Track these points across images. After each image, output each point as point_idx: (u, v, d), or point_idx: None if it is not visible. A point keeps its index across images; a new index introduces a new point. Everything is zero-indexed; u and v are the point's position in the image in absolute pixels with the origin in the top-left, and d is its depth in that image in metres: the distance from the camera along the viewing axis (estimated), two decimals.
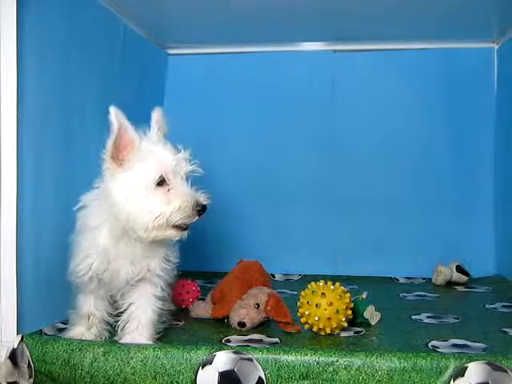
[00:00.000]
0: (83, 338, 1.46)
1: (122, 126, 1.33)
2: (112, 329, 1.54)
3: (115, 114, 1.32)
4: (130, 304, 1.47)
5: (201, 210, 1.36)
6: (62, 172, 1.69)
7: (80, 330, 1.50)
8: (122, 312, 1.48)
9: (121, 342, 1.43)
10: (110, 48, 2.05)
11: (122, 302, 1.48)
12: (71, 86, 1.75)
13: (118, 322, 1.49)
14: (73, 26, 1.75)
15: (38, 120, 1.57)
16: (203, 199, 1.38)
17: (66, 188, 1.71)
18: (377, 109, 2.60)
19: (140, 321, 1.45)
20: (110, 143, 1.34)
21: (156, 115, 1.46)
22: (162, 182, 1.35)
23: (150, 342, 1.44)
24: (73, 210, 1.77)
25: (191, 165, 1.40)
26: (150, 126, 1.44)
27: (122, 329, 1.46)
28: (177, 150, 1.40)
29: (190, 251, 1.95)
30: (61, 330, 1.57)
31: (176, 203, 1.34)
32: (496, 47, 2.55)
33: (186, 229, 1.38)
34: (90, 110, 1.85)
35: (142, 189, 1.33)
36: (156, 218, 1.33)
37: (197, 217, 1.36)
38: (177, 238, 1.39)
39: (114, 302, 1.54)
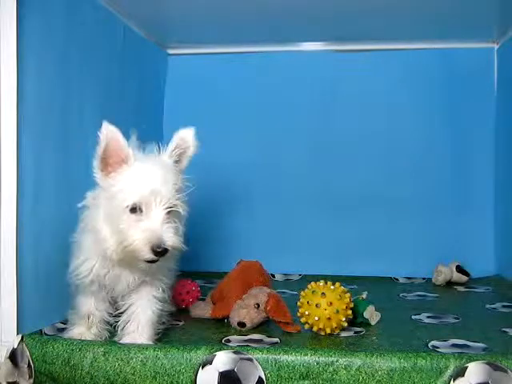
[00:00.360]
0: (83, 338, 1.46)
1: (113, 140, 1.31)
2: (112, 328, 1.54)
3: (106, 128, 1.30)
4: (131, 305, 1.47)
5: (159, 253, 1.28)
6: (61, 172, 1.69)
7: (80, 330, 1.50)
8: (122, 312, 1.48)
9: (121, 342, 1.44)
10: (110, 48, 2.05)
11: (122, 302, 1.48)
12: (71, 86, 1.75)
13: (117, 321, 1.49)
14: (73, 26, 1.75)
15: (38, 120, 1.57)
16: (167, 241, 1.29)
17: (65, 188, 1.71)
18: (377, 109, 2.60)
19: (140, 321, 1.45)
20: (97, 155, 1.33)
21: (182, 135, 1.42)
22: (134, 210, 1.30)
23: (150, 343, 1.44)
24: (73, 209, 1.77)
25: (173, 198, 1.32)
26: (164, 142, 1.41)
27: (122, 329, 1.46)
28: (161, 178, 1.32)
29: (190, 251, 1.94)
30: (61, 330, 1.57)
31: (136, 238, 1.28)
32: (496, 47, 2.55)
33: (151, 262, 1.31)
34: (89, 110, 1.85)
35: (115, 210, 1.31)
36: (119, 244, 1.31)
37: (154, 257, 1.28)
38: (145, 268, 1.34)
39: (114, 303, 1.53)
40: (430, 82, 2.59)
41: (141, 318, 1.45)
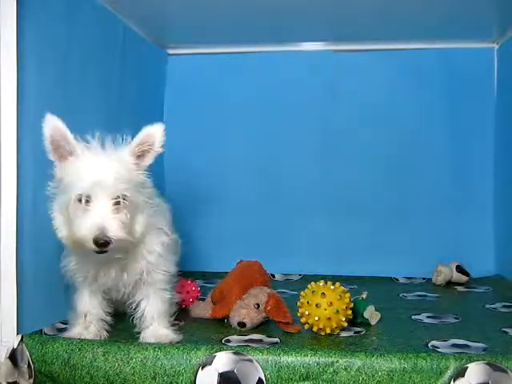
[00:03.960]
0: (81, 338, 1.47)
1: (56, 132, 1.35)
2: (111, 328, 1.55)
3: (48, 121, 1.34)
4: (140, 301, 1.51)
5: (101, 244, 1.28)
6: None
7: (78, 331, 1.50)
8: (133, 310, 1.53)
9: (142, 334, 1.50)
10: (110, 48, 2.05)
11: (130, 301, 1.52)
12: (71, 86, 1.75)
13: (132, 321, 1.54)
14: (73, 26, 1.75)
15: (38, 120, 1.57)
16: (109, 232, 1.29)
17: None
18: (377, 109, 2.60)
19: (153, 314, 1.50)
20: (45, 148, 1.37)
21: (149, 131, 1.41)
22: (81, 201, 1.31)
23: (169, 331, 1.50)
24: None
25: (120, 190, 1.32)
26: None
27: (140, 323, 1.52)
28: (106, 169, 1.32)
29: (190, 251, 1.95)
30: (61, 330, 1.58)
31: (82, 229, 1.29)
32: (496, 47, 2.55)
33: (101, 252, 1.31)
34: (89, 110, 1.85)
35: (65, 201, 1.34)
36: (70, 235, 1.33)
37: (97, 249, 1.29)
38: (98, 258, 1.35)
39: (113, 301, 1.56)
40: (430, 82, 2.58)
41: (153, 310, 1.50)
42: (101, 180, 1.30)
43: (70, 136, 1.35)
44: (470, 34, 2.44)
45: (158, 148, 1.42)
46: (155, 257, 1.48)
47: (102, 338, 1.51)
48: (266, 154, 2.66)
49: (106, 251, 1.31)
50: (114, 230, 1.30)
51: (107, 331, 1.54)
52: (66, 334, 1.51)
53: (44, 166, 1.60)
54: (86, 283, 1.48)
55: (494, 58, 2.55)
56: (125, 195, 1.33)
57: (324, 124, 2.63)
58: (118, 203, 1.33)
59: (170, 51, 2.71)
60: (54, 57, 1.65)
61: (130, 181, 1.36)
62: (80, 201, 1.31)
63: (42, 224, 1.58)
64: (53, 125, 1.34)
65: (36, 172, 1.55)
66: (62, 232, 1.37)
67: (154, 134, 1.42)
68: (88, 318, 1.51)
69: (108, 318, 1.54)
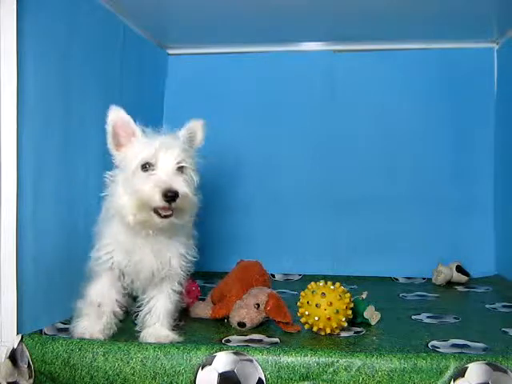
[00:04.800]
0: (90, 330, 1.47)
1: (119, 118, 1.44)
2: (122, 324, 1.56)
3: (112, 110, 1.44)
4: (151, 298, 1.54)
5: (170, 197, 1.34)
6: (61, 172, 1.69)
7: (87, 322, 1.50)
8: (139, 307, 1.56)
9: (143, 333, 1.51)
10: (110, 48, 2.05)
11: (143, 296, 1.55)
12: (71, 86, 1.75)
13: (135, 319, 1.56)
14: (73, 26, 1.75)
15: (38, 120, 1.57)
16: (176, 186, 1.35)
17: (65, 188, 1.71)
18: (376, 109, 2.60)
19: (160, 313, 1.53)
20: (108, 135, 1.45)
21: (191, 125, 1.54)
22: (145, 167, 1.38)
23: (170, 332, 1.51)
24: (73, 210, 1.78)
25: (183, 154, 1.41)
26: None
27: (143, 320, 1.54)
28: (170, 137, 1.44)
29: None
30: (61, 330, 1.57)
31: (148, 187, 1.35)
32: (496, 47, 2.55)
33: (165, 217, 1.36)
34: (89, 110, 1.85)
35: (129, 175, 1.40)
36: (134, 202, 1.37)
37: (165, 204, 1.34)
38: (159, 226, 1.39)
39: (134, 298, 1.60)
40: (430, 82, 2.58)
41: (161, 310, 1.53)
42: (165, 143, 1.40)
43: (131, 121, 1.45)
44: (470, 34, 2.44)
45: (200, 141, 1.55)
46: (185, 259, 1.54)
47: (111, 332, 1.51)
48: (265, 153, 2.66)
49: (171, 210, 1.35)
50: (181, 186, 1.36)
51: (118, 328, 1.54)
52: (74, 327, 1.50)
53: (44, 166, 1.61)
54: (112, 274, 1.50)
55: (494, 58, 2.55)
56: (186, 162, 1.42)
57: (324, 124, 2.63)
58: (180, 169, 1.41)
59: (170, 51, 2.71)
60: (54, 57, 1.65)
61: (188, 156, 1.45)
62: (144, 168, 1.38)
63: (43, 224, 1.59)
64: (116, 112, 1.44)
65: (36, 172, 1.55)
66: (127, 206, 1.39)
67: (197, 127, 1.55)
68: (102, 308, 1.50)
69: (120, 313, 1.54)
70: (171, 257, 1.50)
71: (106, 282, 1.51)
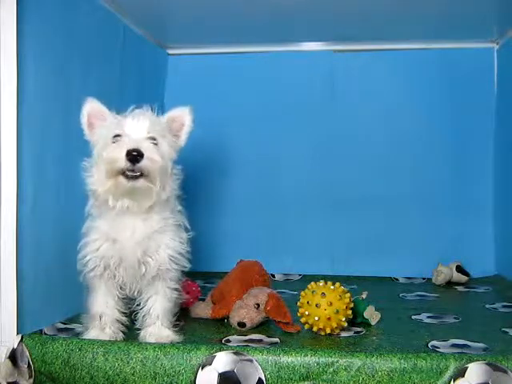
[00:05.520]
0: None
1: (93, 105, 1.49)
2: (127, 329, 1.55)
3: (88, 101, 1.50)
4: (148, 298, 1.53)
5: (133, 156, 1.35)
6: (61, 172, 1.69)
7: (94, 333, 1.49)
8: (138, 306, 1.55)
9: (143, 332, 1.51)
10: (110, 48, 2.05)
11: (139, 298, 1.54)
12: (71, 86, 1.75)
13: (134, 318, 1.56)
14: (72, 26, 1.75)
15: (38, 120, 1.58)
16: (141, 147, 1.36)
17: (66, 188, 1.71)
18: (376, 109, 2.60)
19: (159, 313, 1.52)
20: (82, 122, 1.50)
21: (177, 112, 1.55)
22: (115, 140, 1.41)
23: (171, 332, 1.51)
24: (73, 210, 1.78)
25: (155, 130, 1.44)
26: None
27: (142, 320, 1.53)
28: (144, 114, 1.46)
29: (190, 251, 1.94)
30: (61, 330, 1.58)
31: (115, 150, 1.38)
32: (496, 47, 2.55)
33: (131, 178, 1.37)
34: None
35: (102, 149, 1.42)
36: (103, 167, 1.39)
37: (130, 164, 1.35)
38: (126, 188, 1.39)
39: (129, 300, 1.57)
40: (430, 82, 2.58)
41: (159, 309, 1.52)
42: (135, 115, 1.44)
43: (105, 109, 1.49)
44: (470, 34, 2.44)
45: (187, 126, 1.56)
46: (175, 252, 1.52)
47: (119, 339, 1.50)
48: (265, 153, 2.66)
49: (137, 174, 1.37)
50: (146, 149, 1.38)
51: (124, 333, 1.53)
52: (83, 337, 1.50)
53: (44, 165, 1.61)
54: (102, 280, 1.49)
55: (494, 58, 2.55)
56: (158, 140, 1.43)
57: (324, 124, 2.63)
58: (153, 140, 1.42)
59: (170, 51, 2.71)
60: (54, 57, 1.65)
61: (164, 137, 1.46)
62: (114, 140, 1.41)
63: (43, 224, 1.59)
64: (90, 103, 1.49)
65: (36, 172, 1.55)
66: (99, 180, 1.42)
67: (183, 112, 1.56)
68: (103, 319, 1.50)
69: (124, 319, 1.54)
70: (158, 246, 1.49)
71: (102, 291, 1.51)
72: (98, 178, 1.42)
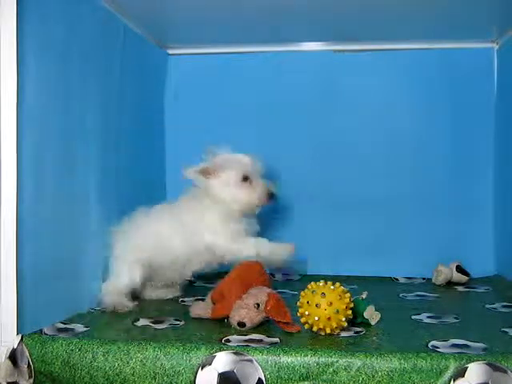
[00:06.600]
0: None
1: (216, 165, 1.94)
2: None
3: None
4: None
5: (271, 197, 1.95)
6: (61, 172, 1.69)
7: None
8: None
9: None
10: (110, 48, 2.05)
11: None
12: (71, 87, 1.75)
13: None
14: (72, 26, 1.75)
15: (38, 120, 1.58)
16: (273, 188, 1.90)
17: (65, 188, 1.71)
18: (377, 109, 2.60)
19: None
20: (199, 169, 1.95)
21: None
22: (245, 179, 1.92)
23: None
24: (73, 209, 1.78)
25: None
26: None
27: None
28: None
29: None
30: (61, 330, 1.57)
31: (255, 194, 1.93)
32: (496, 47, 2.54)
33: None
34: (89, 110, 1.85)
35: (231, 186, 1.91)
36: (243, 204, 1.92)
37: (267, 202, 1.96)
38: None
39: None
40: (430, 82, 2.58)
41: None
42: (255, 159, 1.98)
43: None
44: (470, 34, 2.44)
45: None
46: None
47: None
48: (265, 153, 2.64)
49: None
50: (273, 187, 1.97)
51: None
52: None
53: (44, 165, 1.61)
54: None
55: (494, 58, 2.55)
56: None
57: (324, 124, 2.63)
58: None
59: (170, 51, 2.71)
60: (54, 57, 1.65)
61: None
62: (245, 179, 1.94)
63: (43, 224, 1.59)
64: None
65: (36, 172, 1.55)
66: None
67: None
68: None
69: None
70: None
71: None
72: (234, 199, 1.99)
